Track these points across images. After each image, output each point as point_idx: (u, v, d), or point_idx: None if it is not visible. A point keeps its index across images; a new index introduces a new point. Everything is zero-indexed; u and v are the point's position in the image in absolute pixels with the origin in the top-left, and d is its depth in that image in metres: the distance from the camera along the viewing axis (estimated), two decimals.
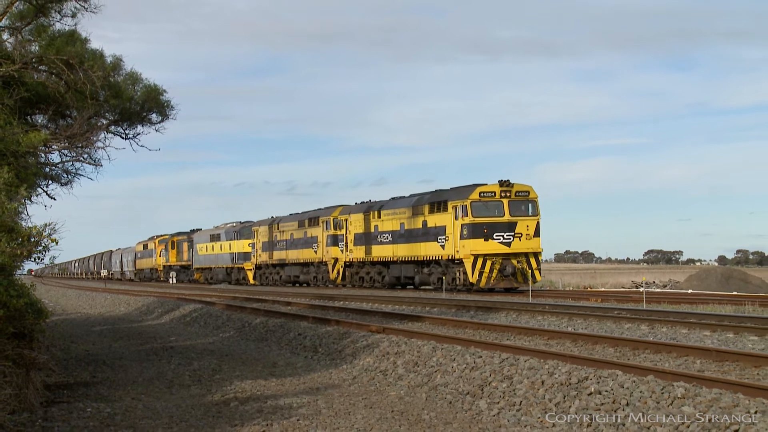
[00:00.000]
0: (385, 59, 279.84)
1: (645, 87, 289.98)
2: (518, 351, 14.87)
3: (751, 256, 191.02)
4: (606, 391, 11.21)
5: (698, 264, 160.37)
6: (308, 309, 30.16)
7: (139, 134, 21.71)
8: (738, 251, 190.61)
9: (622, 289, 44.53)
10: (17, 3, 16.81)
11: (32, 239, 11.81)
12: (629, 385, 11.16)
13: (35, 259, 12.55)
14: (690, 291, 40.19)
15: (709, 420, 9.45)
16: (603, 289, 44.92)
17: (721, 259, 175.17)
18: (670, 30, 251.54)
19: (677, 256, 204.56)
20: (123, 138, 21.63)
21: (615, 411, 10.56)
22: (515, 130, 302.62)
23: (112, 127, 21.36)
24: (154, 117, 21.59)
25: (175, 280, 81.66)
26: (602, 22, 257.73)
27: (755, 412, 9.31)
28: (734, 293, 34.86)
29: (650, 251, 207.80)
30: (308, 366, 17.76)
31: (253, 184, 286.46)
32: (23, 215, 15.25)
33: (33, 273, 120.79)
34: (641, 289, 35.07)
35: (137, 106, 21.06)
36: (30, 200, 19.18)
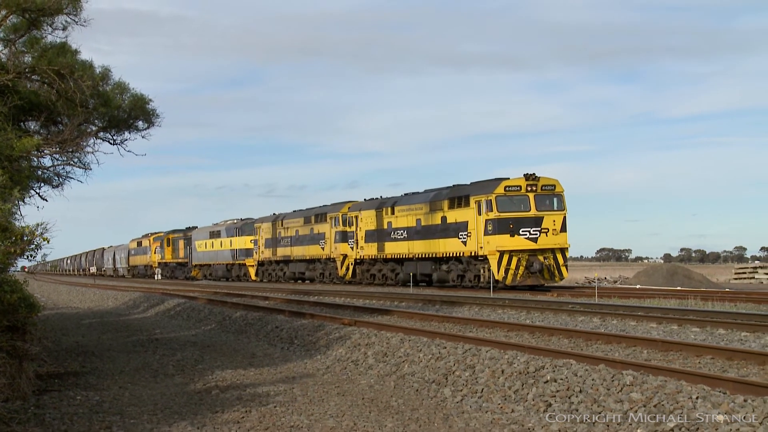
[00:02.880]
0: (357, 71, 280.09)
1: (597, 98, 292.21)
2: (480, 342, 14.91)
3: (693, 254, 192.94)
4: (561, 379, 11.27)
5: (646, 261, 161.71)
6: (285, 303, 30.10)
7: (126, 140, 21.54)
8: (682, 249, 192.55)
9: (576, 285, 44.76)
10: (11, 16, 16.66)
11: (25, 238, 11.72)
12: (582, 374, 11.23)
13: (28, 257, 12.44)
14: (638, 286, 40.49)
15: (655, 405, 9.53)
16: (558, 285, 45.14)
17: (667, 257, 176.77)
18: (621, 46, 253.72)
19: (626, 254, 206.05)
20: (111, 144, 21.46)
21: (569, 398, 10.62)
22: (479, 137, 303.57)
23: (101, 133, 21.17)
24: (140, 124, 21.41)
25: (160, 276, 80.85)
26: (561, 38, 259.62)
27: (697, 398, 9.40)
28: (678, 288, 35.17)
29: (602, 249, 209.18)
30: (285, 356, 17.72)
31: (233, 187, 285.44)
32: (17, 215, 15.07)
33: (26, 270, 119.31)
34: (593, 285, 35.25)
35: (124, 113, 20.88)
36: (23, 201, 18.97)
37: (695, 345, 14.21)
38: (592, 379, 10.90)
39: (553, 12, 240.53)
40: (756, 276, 51.71)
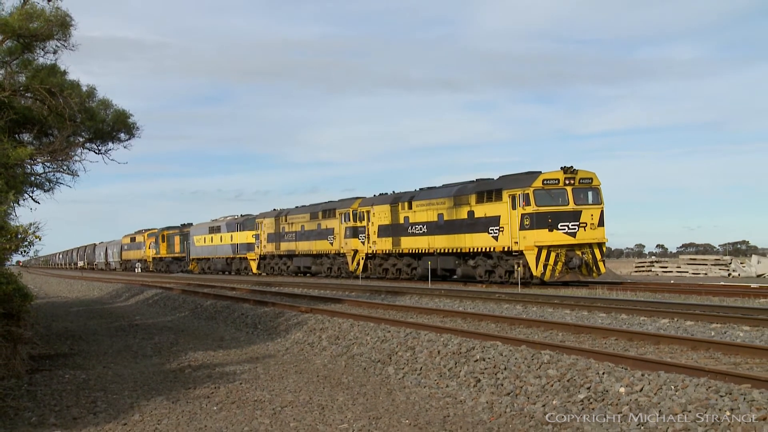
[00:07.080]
0: (317, 91, 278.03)
1: (521, 116, 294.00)
2: (419, 327, 14.98)
3: None
4: (489, 358, 11.36)
5: None
6: (250, 293, 29.90)
7: (110, 150, 21.21)
8: None
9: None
10: (7, 41, 16.37)
11: (19, 236, 11.52)
12: (507, 353, 11.33)
13: (22, 252, 12.24)
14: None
15: (568, 380, 9.66)
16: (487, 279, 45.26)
17: None
18: (544, 72, 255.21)
19: None
20: (96, 153, 21.13)
21: (496, 374, 10.71)
22: (420, 149, 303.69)
23: (87, 144, 20.83)
24: (122, 136, 21.09)
25: (139, 270, 79.32)
26: (492, 64, 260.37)
27: (603, 373, 9.54)
28: (588, 280, 35.50)
29: None
30: (249, 340, 17.62)
31: (207, 192, 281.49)
32: (12, 216, 14.80)
33: (20, 264, 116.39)
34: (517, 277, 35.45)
35: (108, 127, 20.57)
36: (18, 204, 18.57)
37: (602, 328, 14.41)
38: (515, 358, 11.01)
39: (485, 42, 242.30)
40: (652, 269, 52.60)
